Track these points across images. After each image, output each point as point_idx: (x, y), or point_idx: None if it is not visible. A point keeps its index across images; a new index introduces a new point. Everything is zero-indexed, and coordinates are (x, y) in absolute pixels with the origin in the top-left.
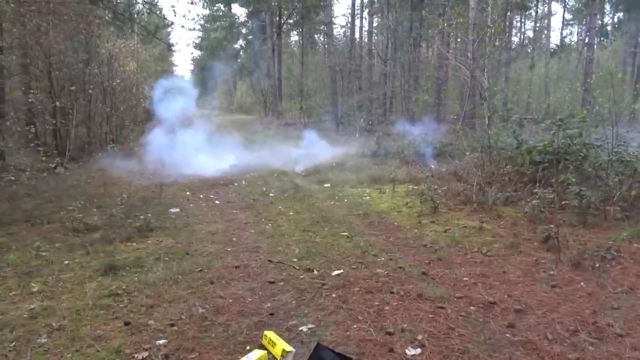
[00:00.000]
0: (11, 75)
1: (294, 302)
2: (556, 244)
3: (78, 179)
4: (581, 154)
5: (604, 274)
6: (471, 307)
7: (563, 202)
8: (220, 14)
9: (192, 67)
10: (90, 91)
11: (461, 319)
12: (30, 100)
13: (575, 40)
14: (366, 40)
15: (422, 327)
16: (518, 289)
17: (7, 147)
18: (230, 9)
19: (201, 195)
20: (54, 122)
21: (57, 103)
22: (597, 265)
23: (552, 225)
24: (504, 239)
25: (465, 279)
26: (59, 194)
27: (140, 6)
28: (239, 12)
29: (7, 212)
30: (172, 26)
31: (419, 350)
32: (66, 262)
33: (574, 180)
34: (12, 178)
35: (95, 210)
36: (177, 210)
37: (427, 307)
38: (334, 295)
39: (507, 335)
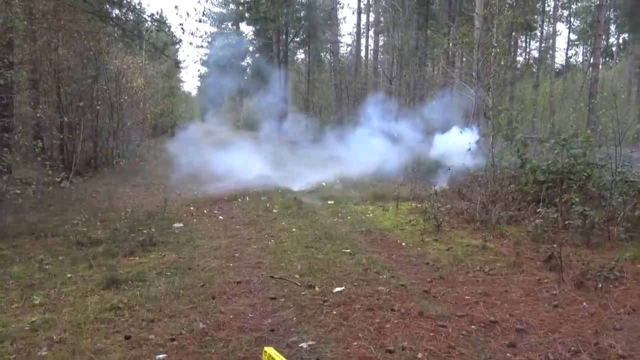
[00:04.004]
0: (20, 90)
1: (294, 318)
2: (559, 263)
3: (83, 193)
4: (585, 173)
5: (607, 295)
6: (472, 326)
7: (566, 222)
8: (228, 32)
9: (199, 84)
10: (97, 107)
11: (462, 337)
12: (38, 115)
13: (581, 60)
14: (372, 59)
15: (423, 345)
16: (520, 309)
17: (14, 160)
18: (238, 27)
19: (205, 211)
20: (61, 136)
21: (65, 118)
22: (600, 285)
23: (555, 245)
24: (507, 258)
25: (467, 297)
26: (64, 208)
27: (149, 24)
28: (247, 30)
29: (13, 225)
30: (180, 43)
31: None
32: (69, 275)
33: (577, 199)
34: (18, 191)
35: (99, 224)
36: (181, 225)
37: (428, 325)
38: (334, 312)
39: (508, 354)
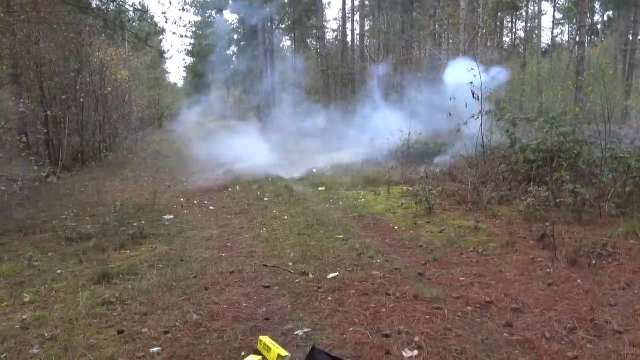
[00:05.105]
0: (2, 85)
1: (289, 306)
2: (552, 241)
3: (71, 188)
4: (575, 151)
5: (601, 271)
6: (468, 307)
7: (558, 200)
8: (212, 20)
9: (184, 74)
10: (82, 100)
11: (458, 319)
12: (20, 109)
13: (566, 39)
14: (358, 43)
15: (419, 329)
16: (515, 288)
17: None
18: (222, 15)
19: (195, 202)
20: (47, 131)
21: (49, 112)
22: (594, 262)
23: (547, 223)
24: (500, 238)
25: (461, 279)
26: (51, 204)
27: (132, 14)
28: (231, 18)
29: (0, 223)
30: (164, 33)
31: (416, 352)
32: (59, 271)
33: (568, 177)
34: (4, 188)
35: (88, 218)
36: (171, 217)
37: (424, 308)
38: (329, 298)
39: (505, 334)
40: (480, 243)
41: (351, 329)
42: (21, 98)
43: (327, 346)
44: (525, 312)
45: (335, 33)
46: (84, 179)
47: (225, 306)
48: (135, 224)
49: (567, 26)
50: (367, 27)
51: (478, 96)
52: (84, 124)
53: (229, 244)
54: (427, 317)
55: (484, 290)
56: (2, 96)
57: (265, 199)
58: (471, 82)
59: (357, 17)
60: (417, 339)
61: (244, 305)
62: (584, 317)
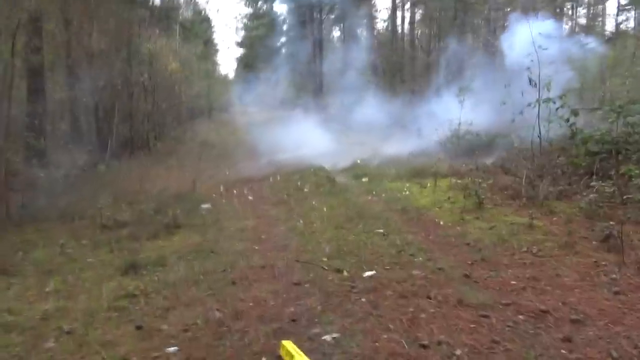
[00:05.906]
0: (53, 75)
1: (319, 306)
2: (619, 243)
3: (117, 175)
4: None
5: None
6: (519, 316)
7: (625, 197)
8: (262, 12)
9: (235, 66)
10: (132, 90)
11: (508, 330)
12: (57, 96)
13: (632, 26)
14: (408, 32)
15: (462, 340)
16: (574, 296)
17: (47, 145)
18: (272, 6)
19: (235, 191)
20: (97, 120)
21: (100, 102)
22: None
23: (613, 222)
24: (557, 237)
25: (512, 282)
26: (95, 191)
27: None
28: (280, 9)
29: (43, 209)
30: (211, 22)
31: None
32: (89, 260)
33: (637, 172)
34: (42, 175)
35: (123, 206)
36: (209, 206)
37: (469, 315)
38: (363, 299)
39: (563, 351)
40: (535, 242)
41: (385, 336)
42: (73, 87)
43: (357, 355)
44: (586, 324)
45: (385, 23)
46: (131, 167)
47: (251, 303)
48: (170, 213)
49: (633, 12)
50: (417, 17)
51: (535, 83)
52: (133, 114)
53: (263, 236)
54: (472, 326)
55: (538, 296)
56: (54, 86)
57: (306, 189)
58: (529, 64)
59: (407, 5)
60: (459, 352)
61: (271, 303)
62: None
